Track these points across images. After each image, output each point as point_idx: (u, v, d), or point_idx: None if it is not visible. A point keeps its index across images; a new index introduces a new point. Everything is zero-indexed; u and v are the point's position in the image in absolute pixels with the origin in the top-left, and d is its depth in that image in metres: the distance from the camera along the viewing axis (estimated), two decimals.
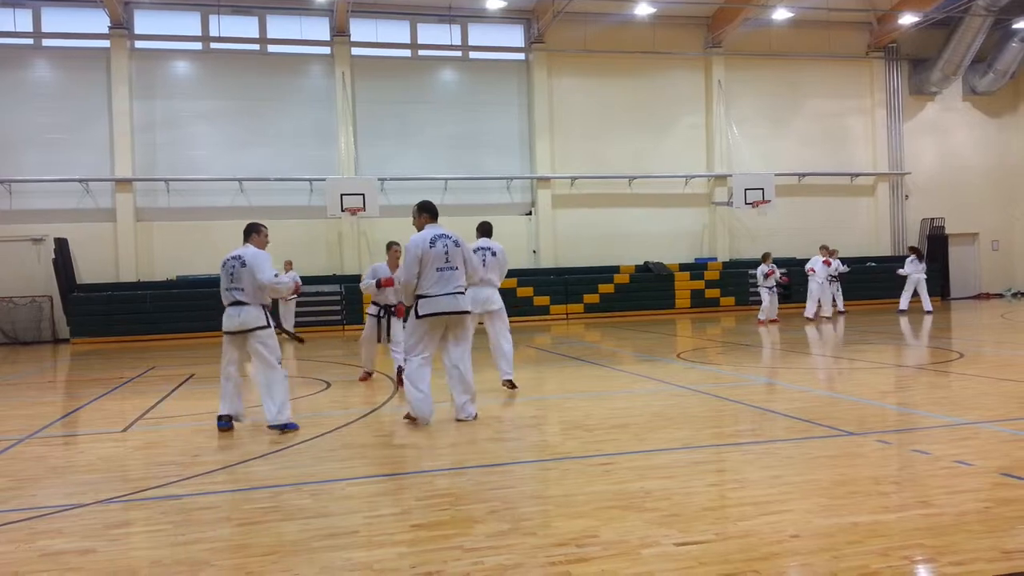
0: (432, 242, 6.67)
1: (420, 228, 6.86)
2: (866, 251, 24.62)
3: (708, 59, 23.94)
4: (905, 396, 7.76)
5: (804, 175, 24.28)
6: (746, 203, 22.30)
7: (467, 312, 6.90)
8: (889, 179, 25.31)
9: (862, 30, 25.12)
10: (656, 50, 23.47)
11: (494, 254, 8.41)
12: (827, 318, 18.25)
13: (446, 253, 6.69)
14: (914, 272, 19.28)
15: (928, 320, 17.27)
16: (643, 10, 21.64)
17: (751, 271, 20.87)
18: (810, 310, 18.39)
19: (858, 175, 24.94)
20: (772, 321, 17.70)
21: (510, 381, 8.50)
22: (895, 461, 5.12)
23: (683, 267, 22.93)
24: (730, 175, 23.30)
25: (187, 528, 4.12)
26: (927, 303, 19.32)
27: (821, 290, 18.33)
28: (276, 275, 6.67)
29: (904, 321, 17.16)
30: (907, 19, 23.29)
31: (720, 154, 23.88)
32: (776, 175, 23.06)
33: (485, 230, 8.70)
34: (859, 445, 5.51)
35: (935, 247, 24.81)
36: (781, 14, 22.54)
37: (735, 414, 6.92)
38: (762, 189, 22.35)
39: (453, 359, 6.85)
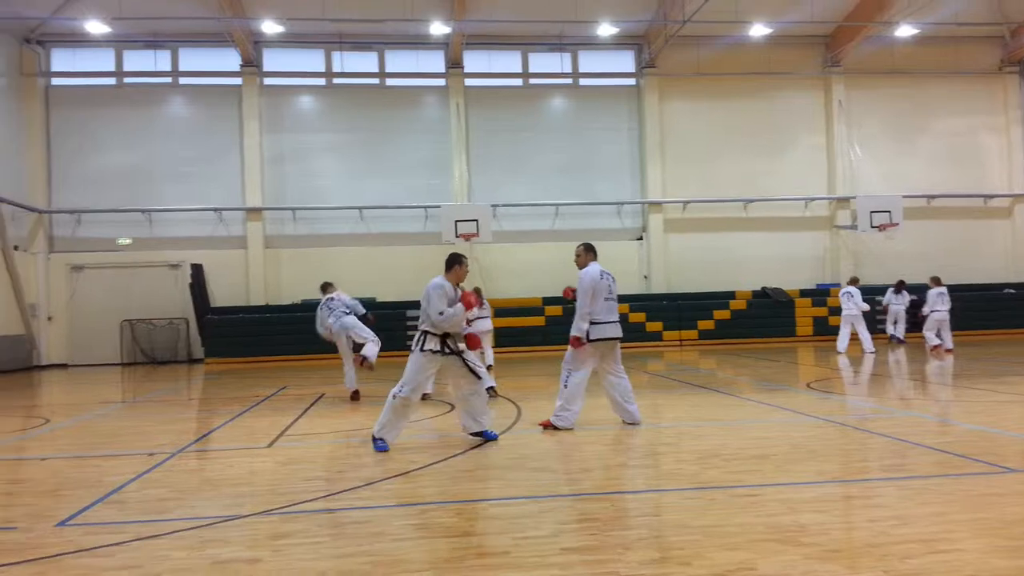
0: (602, 276, 7.62)
1: (584, 265, 7.72)
2: (1002, 277, 23.11)
3: (827, 79, 23.23)
4: None
5: (933, 197, 23.09)
6: (872, 226, 21.35)
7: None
8: None
9: (994, 44, 23.82)
10: (772, 71, 22.98)
11: None
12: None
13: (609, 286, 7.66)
14: (896, 304, 19.05)
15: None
16: (758, 31, 21.26)
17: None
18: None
19: (992, 196, 23.52)
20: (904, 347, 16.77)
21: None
22: None
23: (803, 293, 22.16)
24: (853, 197, 22.42)
25: (344, 541, 4.26)
26: (901, 333, 19.17)
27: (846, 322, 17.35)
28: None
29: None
30: None
31: (842, 175, 23.05)
32: (903, 197, 22.01)
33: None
34: None
35: None
36: (905, 31, 21.64)
37: (880, 447, 6.59)
38: (888, 212, 21.37)
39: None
